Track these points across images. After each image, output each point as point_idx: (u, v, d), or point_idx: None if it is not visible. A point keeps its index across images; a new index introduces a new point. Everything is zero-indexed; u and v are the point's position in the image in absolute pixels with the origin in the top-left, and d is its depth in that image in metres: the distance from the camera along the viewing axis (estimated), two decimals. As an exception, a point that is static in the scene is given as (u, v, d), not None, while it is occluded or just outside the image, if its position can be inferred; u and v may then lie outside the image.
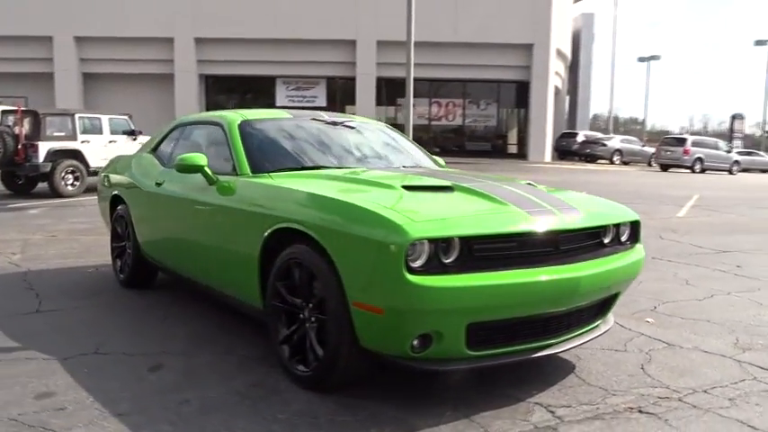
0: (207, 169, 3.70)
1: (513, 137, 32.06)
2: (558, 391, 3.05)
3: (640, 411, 2.85)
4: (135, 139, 14.79)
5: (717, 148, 29.50)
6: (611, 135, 34.39)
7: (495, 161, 25.21)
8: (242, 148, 3.75)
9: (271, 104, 30.52)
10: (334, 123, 4.39)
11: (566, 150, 31.23)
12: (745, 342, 3.91)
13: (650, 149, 31.52)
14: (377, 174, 3.61)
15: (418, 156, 4.60)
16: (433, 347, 2.64)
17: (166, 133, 4.83)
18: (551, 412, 2.81)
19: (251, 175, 3.58)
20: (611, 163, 30.06)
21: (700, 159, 27.53)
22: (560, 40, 29.71)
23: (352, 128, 4.49)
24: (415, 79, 30.02)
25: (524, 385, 3.09)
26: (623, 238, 3.34)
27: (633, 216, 3.40)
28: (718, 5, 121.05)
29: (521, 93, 30.27)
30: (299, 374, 2.97)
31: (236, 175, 3.63)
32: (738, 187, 18.81)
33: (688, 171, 26.75)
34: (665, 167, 27.65)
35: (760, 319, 4.45)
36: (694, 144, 28.33)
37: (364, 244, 2.60)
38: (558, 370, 3.33)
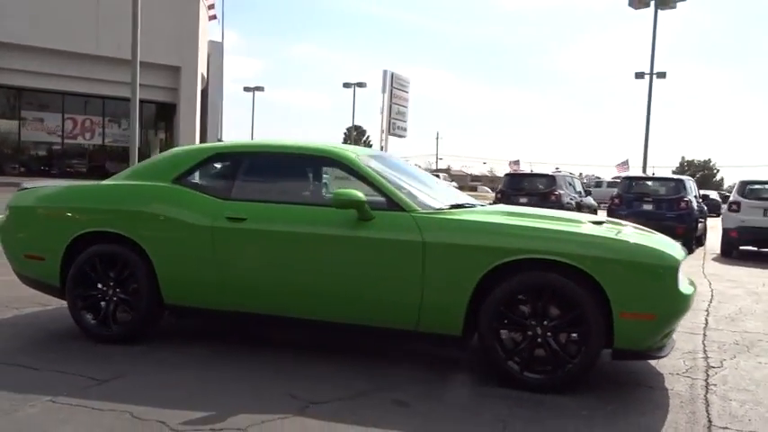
0: (366, 205, 3.75)
1: (154, 158, 31.06)
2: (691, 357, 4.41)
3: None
4: None
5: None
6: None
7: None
8: (391, 186, 3.91)
9: None
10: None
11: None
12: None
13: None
14: (544, 211, 4.34)
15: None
16: (664, 339, 3.60)
17: (197, 163, 4.26)
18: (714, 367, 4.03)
19: (422, 211, 3.78)
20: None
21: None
22: (202, 64, 30.21)
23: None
24: (47, 91, 26.74)
25: (664, 361, 4.12)
26: None
27: None
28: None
29: (163, 114, 29.65)
30: (542, 382, 3.52)
31: (403, 211, 3.77)
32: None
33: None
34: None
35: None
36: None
37: (643, 268, 3.42)
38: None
